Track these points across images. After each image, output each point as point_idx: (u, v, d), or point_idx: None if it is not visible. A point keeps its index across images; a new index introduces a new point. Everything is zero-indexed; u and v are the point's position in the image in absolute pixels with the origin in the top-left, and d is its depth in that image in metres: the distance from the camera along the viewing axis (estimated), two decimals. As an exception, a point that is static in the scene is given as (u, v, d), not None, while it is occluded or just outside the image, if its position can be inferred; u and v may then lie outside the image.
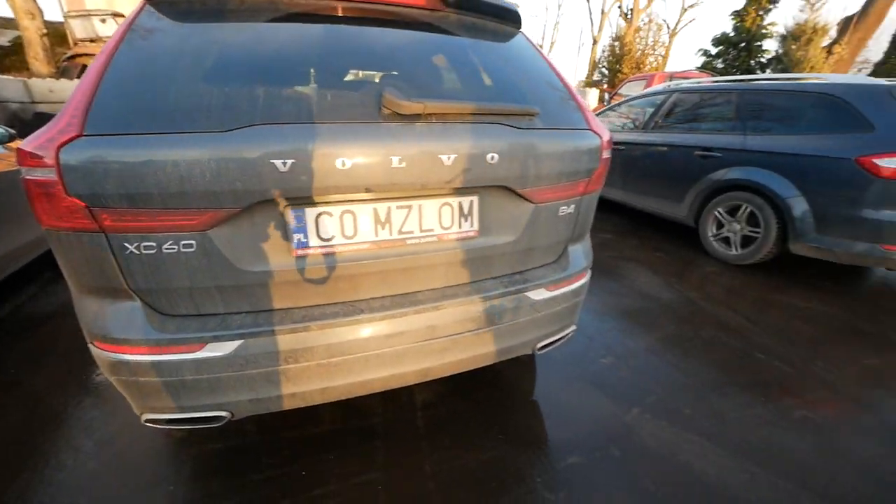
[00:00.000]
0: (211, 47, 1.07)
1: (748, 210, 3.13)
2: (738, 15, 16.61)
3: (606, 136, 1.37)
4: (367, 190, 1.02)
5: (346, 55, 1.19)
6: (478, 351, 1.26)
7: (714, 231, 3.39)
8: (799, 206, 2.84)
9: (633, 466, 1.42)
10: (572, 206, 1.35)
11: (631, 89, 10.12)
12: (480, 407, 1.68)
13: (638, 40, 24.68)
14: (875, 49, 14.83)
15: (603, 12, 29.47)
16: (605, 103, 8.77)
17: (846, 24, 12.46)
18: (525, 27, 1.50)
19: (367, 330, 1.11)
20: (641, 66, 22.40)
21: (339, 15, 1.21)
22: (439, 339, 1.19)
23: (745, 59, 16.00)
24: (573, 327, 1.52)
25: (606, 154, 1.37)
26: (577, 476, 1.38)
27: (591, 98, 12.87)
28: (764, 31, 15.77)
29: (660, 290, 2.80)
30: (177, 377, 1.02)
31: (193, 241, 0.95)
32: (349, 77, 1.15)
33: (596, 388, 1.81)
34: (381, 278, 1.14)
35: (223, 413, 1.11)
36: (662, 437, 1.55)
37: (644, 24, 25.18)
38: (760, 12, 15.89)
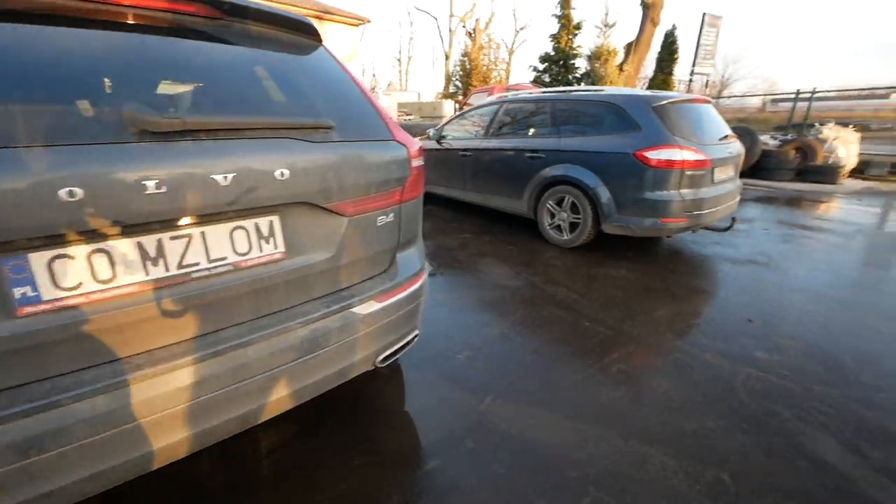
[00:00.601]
0: None
1: (570, 200, 3.68)
2: (554, 38, 19.75)
3: (415, 146, 1.42)
4: (117, 223, 0.84)
5: (84, 66, 0.97)
6: (305, 382, 1.16)
7: (549, 221, 3.90)
8: (604, 194, 3.45)
9: (486, 454, 1.49)
10: (391, 215, 1.35)
11: (478, 99, 11.11)
12: (337, 434, 1.57)
13: (482, 57, 27.40)
14: (651, 67, 19.20)
15: (451, 31, 31.93)
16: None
17: (629, 48, 15.85)
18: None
19: (150, 389, 0.92)
20: (487, 79, 24.89)
21: (75, 17, 0.99)
22: (255, 378, 1.06)
23: (564, 75, 19.11)
24: (416, 332, 1.54)
25: (417, 162, 1.42)
26: (435, 481, 1.39)
27: (448, 108, 13.75)
28: (574, 52, 19.08)
29: (510, 279, 3.07)
30: None
31: None
32: (87, 92, 0.94)
33: (454, 385, 1.87)
34: (164, 323, 0.95)
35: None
36: (510, 418, 1.67)
37: (486, 42, 28.11)
38: (570, 36, 19.18)
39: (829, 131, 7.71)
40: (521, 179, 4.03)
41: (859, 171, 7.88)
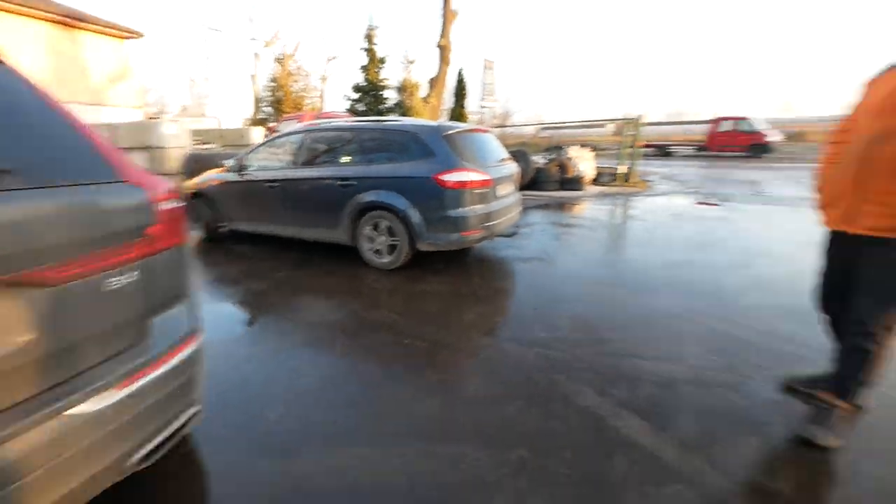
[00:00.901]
0: None
1: (386, 224, 3.81)
2: (364, 69, 20.62)
3: (161, 187, 1.20)
4: None
5: None
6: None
7: (369, 246, 3.94)
8: (414, 215, 3.69)
9: (303, 519, 1.35)
10: (135, 274, 1.10)
11: (288, 126, 10.56)
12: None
13: (292, 84, 26.41)
14: (451, 100, 21.97)
15: (256, 55, 29.66)
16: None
17: (432, 83, 17.79)
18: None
19: None
20: (300, 106, 24.09)
21: None
22: None
23: (376, 105, 20.14)
24: (194, 409, 1.28)
25: (167, 205, 1.20)
26: (240, 577, 1.17)
27: (257, 136, 12.58)
28: (382, 83, 20.33)
29: (331, 312, 2.95)
30: None
31: None
32: None
33: (265, 451, 1.64)
34: None
35: None
36: (330, 470, 1.55)
37: (295, 69, 27.20)
38: (376, 69, 20.37)
39: (573, 151, 10.27)
40: (336, 208, 3.97)
41: (596, 180, 10.74)
